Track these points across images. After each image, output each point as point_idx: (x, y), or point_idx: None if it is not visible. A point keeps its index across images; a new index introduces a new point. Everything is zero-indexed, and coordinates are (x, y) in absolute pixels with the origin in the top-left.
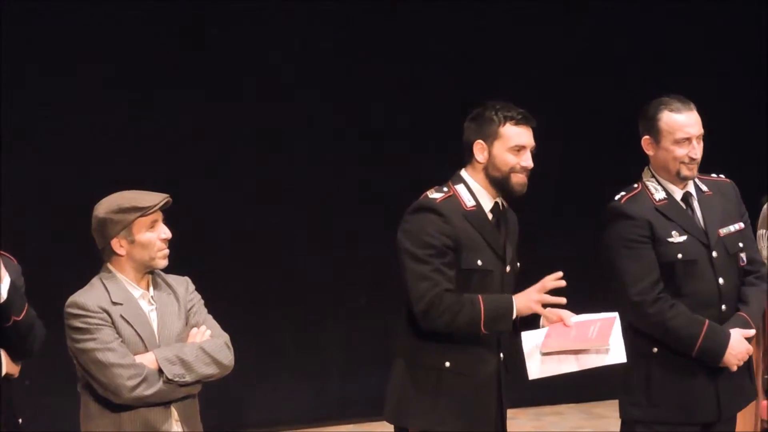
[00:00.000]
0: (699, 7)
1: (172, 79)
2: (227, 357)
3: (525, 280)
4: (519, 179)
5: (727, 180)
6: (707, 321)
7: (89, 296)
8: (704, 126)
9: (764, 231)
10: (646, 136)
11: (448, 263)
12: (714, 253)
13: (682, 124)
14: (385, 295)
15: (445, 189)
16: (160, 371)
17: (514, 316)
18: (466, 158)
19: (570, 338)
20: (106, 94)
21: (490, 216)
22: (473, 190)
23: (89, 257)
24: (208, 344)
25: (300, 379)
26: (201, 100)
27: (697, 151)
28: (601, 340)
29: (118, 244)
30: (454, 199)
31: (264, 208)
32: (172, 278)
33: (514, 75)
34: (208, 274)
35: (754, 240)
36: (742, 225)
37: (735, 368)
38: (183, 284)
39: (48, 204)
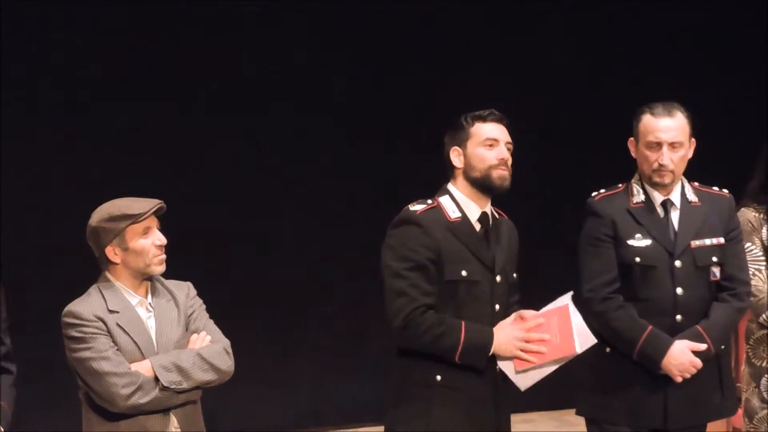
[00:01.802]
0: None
1: (167, 86)
2: (226, 363)
3: (527, 292)
4: (498, 174)
5: (726, 195)
6: (650, 327)
7: (85, 305)
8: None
9: (748, 244)
10: (631, 138)
11: (429, 277)
12: (677, 263)
13: (653, 128)
14: (357, 303)
15: (429, 201)
16: (156, 379)
17: (490, 353)
18: (448, 172)
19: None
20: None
21: (477, 226)
22: (458, 201)
23: (90, 265)
24: (206, 350)
25: (272, 386)
26: (201, 112)
27: (665, 158)
28: (566, 331)
29: (113, 252)
30: (437, 210)
31: (236, 215)
32: (172, 284)
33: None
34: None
35: (741, 258)
36: (721, 240)
37: (679, 379)
38: (184, 289)
39: (47, 212)
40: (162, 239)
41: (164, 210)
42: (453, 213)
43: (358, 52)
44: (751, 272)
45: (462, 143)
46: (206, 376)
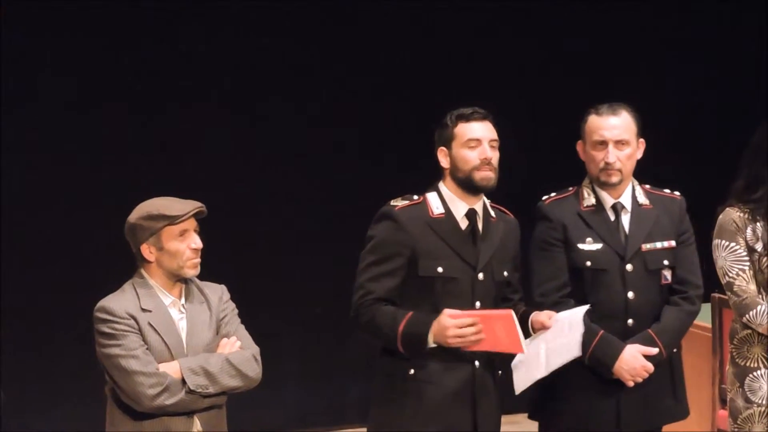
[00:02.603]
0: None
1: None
2: (254, 370)
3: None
4: (482, 174)
5: (678, 197)
6: (601, 332)
7: (118, 301)
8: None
9: (720, 240)
10: (579, 141)
11: (393, 271)
12: (628, 267)
13: (598, 126)
14: (344, 304)
15: (415, 197)
16: (183, 381)
17: (430, 345)
18: (440, 169)
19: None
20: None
21: (463, 223)
22: (445, 198)
23: (123, 260)
24: (234, 356)
25: (258, 387)
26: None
27: (611, 155)
28: (511, 334)
29: (148, 251)
30: (420, 206)
31: (217, 218)
32: (207, 286)
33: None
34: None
35: (694, 260)
36: (672, 243)
37: (630, 383)
38: (218, 292)
39: (74, 205)
40: (198, 243)
41: (205, 214)
42: (436, 209)
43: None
44: (735, 272)
45: (447, 143)
46: (233, 382)
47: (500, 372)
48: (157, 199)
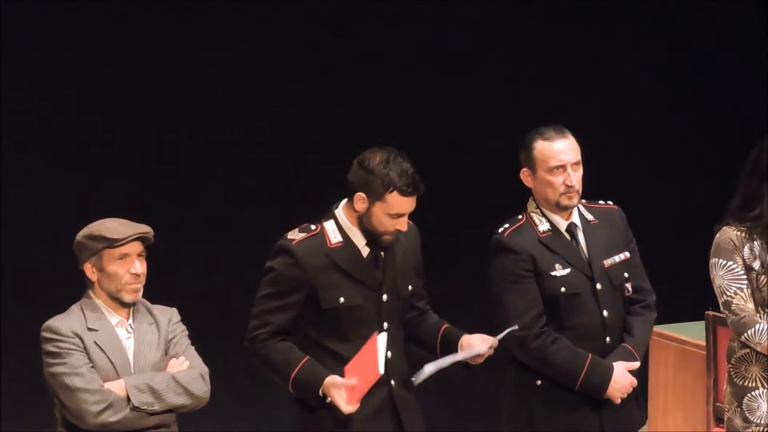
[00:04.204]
0: None
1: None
2: (201, 389)
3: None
4: (388, 239)
5: (615, 207)
6: (590, 355)
7: (64, 321)
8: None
9: (717, 259)
10: (524, 168)
11: (289, 305)
12: (598, 286)
13: (555, 151)
14: None
15: (313, 227)
16: (129, 398)
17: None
18: (347, 194)
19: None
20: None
21: (363, 248)
22: (343, 227)
23: (66, 279)
24: (181, 375)
25: (245, 404)
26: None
27: (572, 178)
28: (371, 358)
29: (90, 270)
30: (318, 237)
31: (206, 230)
32: (157, 308)
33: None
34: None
35: (642, 267)
36: (627, 254)
37: (618, 401)
38: (167, 315)
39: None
40: (137, 269)
41: (151, 240)
42: (334, 238)
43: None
44: (733, 291)
45: (370, 196)
46: (179, 400)
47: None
48: (107, 220)
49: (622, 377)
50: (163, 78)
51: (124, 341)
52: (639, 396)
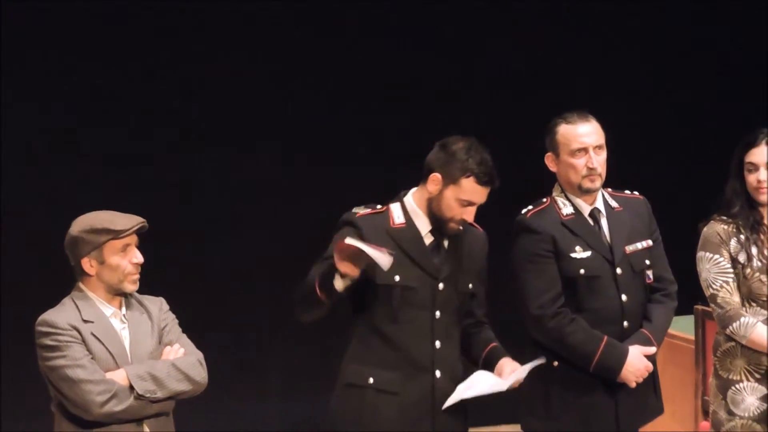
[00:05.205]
0: None
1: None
2: (200, 374)
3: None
4: (454, 227)
5: (640, 197)
6: (605, 337)
7: (59, 314)
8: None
9: (704, 253)
10: (549, 153)
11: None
12: (618, 270)
13: (577, 134)
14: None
15: (379, 206)
16: (131, 387)
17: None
18: (423, 177)
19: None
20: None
21: (426, 235)
22: (408, 209)
23: (64, 276)
24: (180, 361)
25: (238, 400)
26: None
27: (594, 161)
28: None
29: (89, 264)
30: (383, 215)
31: (201, 227)
32: (146, 299)
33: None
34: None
35: (665, 257)
36: (650, 242)
37: (633, 384)
38: (157, 304)
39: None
40: (139, 258)
41: (146, 229)
42: (398, 218)
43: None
44: (719, 284)
45: (446, 178)
46: (180, 386)
47: None
48: (100, 212)
49: (637, 361)
50: (163, 78)
51: (119, 331)
52: (657, 385)
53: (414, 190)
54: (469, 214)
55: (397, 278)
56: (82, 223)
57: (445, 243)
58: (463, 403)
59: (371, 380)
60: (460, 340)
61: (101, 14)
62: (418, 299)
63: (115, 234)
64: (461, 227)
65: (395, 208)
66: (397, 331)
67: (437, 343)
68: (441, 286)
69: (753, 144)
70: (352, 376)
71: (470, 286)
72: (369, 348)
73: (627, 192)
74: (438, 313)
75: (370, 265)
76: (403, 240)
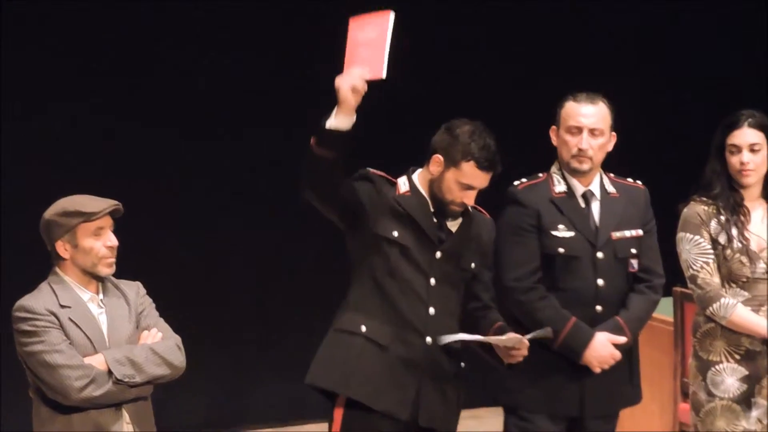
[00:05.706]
0: None
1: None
2: (178, 358)
3: None
4: (454, 209)
5: (641, 186)
6: (574, 318)
7: (36, 300)
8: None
9: (684, 234)
10: (553, 126)
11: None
12: (600, 254)
13: (575, 113)
14: (308, 300)
15: (390, 178)
16: (110, 372)
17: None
18: (426, 158)
19: None
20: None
21: (430, 204)
22: (414, 184)
23: (41, 261)
24: (158, 345)
25: (219, 382)
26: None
27: (585, 142)
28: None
29: (63, 248)
30: (391, 185)
31: (186, 208)
32: (122, 283)
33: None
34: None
35: (657, 250)
36: (640, 232)
37: (597, 370)
38: (134, 288)
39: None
40: (113, 241)
41: (121, 212)
42: (404, 187)
43: None
44: (699, 265)
45: (447, 160)
46: (159, 371)
47: (463, 364)
48: (74, 196)
49: (601, 347)
50: (164, 78)
51: (97, 316)
52: (634, 374)
53: (419, 169)
54: (470, 198)
55: (395, 233)
56: (55, 207)
57: (454, 226)
58: (458, 392)
59: (363, 328)
60: (467, 323)
61: (101, 14)
62: (413, 261)
63: (87, 216)
64: (461, 209)
65: (401, 180)
66: (394, 288)
67: (431, 310)
68: (438, 254)
69: (735, 126)
70: (345, 323)
71: (473, 265)
72: (366, 298)
73: (629, 180)
74: (433, 281)
75: (371, 216)
76: (407, 204)
